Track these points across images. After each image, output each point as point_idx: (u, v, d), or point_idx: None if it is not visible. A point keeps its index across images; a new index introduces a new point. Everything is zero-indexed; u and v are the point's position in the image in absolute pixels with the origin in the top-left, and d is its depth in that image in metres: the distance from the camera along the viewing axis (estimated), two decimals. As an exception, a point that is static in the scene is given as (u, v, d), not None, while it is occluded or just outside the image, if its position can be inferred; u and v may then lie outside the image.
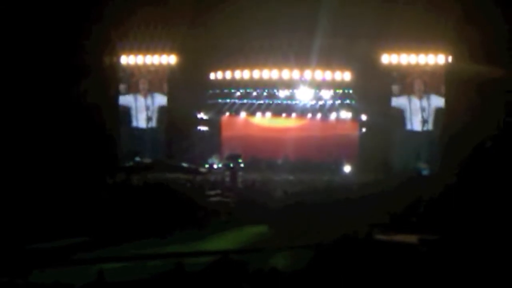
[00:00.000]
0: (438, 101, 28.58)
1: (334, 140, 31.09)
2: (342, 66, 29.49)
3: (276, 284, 10.03)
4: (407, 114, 28.98)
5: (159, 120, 30.62)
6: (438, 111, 28.50)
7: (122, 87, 30.67)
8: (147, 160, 28.38)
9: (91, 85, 26.58)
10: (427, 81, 28.78)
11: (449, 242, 12.15)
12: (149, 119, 30.68)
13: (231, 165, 27.96)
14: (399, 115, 29.05)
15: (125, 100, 30.74)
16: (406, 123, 28.98)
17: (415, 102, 28.89)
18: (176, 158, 29.14)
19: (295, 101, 31.98)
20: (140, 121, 30.74)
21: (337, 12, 26.38)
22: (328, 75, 29.87)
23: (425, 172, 27.21)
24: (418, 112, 28.82)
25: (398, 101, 29.09)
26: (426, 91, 28.75)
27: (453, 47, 27.29)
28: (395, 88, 29.06)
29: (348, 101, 31.39)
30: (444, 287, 10.00)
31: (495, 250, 11.33)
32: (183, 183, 23.15)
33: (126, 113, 30.68)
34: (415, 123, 28.92)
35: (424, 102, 28.76)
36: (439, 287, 9.99)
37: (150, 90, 30.74)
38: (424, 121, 28.73)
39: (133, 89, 30.78)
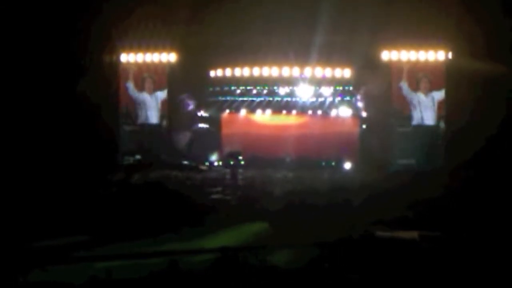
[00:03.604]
0: (439, 97, 28.48)
1: (334, 137, 30.99)
2: (342, 63, 29.37)
3: (276, 282, 9.99)
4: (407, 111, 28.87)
5: (159, 118, 30.51)
6: (439, 107, 28.40)
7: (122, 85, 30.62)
8: (147, 158, 28.31)
9: (91, 83, 26.52)
10: (427, 78, 28.67)
11: (451, 238, 12.12)
12: (148, 117, 30.55)
13: (231, 162, 27.92)
14: (399, 111, 28.94)
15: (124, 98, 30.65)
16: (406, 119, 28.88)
17: (415, 98, 28.76)
18: (176, 156, 29.08)
19: (295, 98, 31.90)
20: (140, 119, 30.62)
21: (336, 9, 26.31)
22: (328, 72, 29.74)
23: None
24: (418, 108, 28.69)
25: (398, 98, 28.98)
26: (426, 88, 28.63)
27: (453, 43, 27.21)
28: (395, 84, 28.95)
29: (348, 98, 31.31)
30: (446, 282, 9.96)
31: (498, 247, 11.29)
32: (183, 180, 23.11)
33: (125, 111, 30.55)
34: (417, 119, 28.81)
35: (423, 98, 28.65)
36: (441, 283, 9.95)
37: (150, 88, 30.62)
38: (425, 117, 28.64)
39: (134, 87, 30.65)
